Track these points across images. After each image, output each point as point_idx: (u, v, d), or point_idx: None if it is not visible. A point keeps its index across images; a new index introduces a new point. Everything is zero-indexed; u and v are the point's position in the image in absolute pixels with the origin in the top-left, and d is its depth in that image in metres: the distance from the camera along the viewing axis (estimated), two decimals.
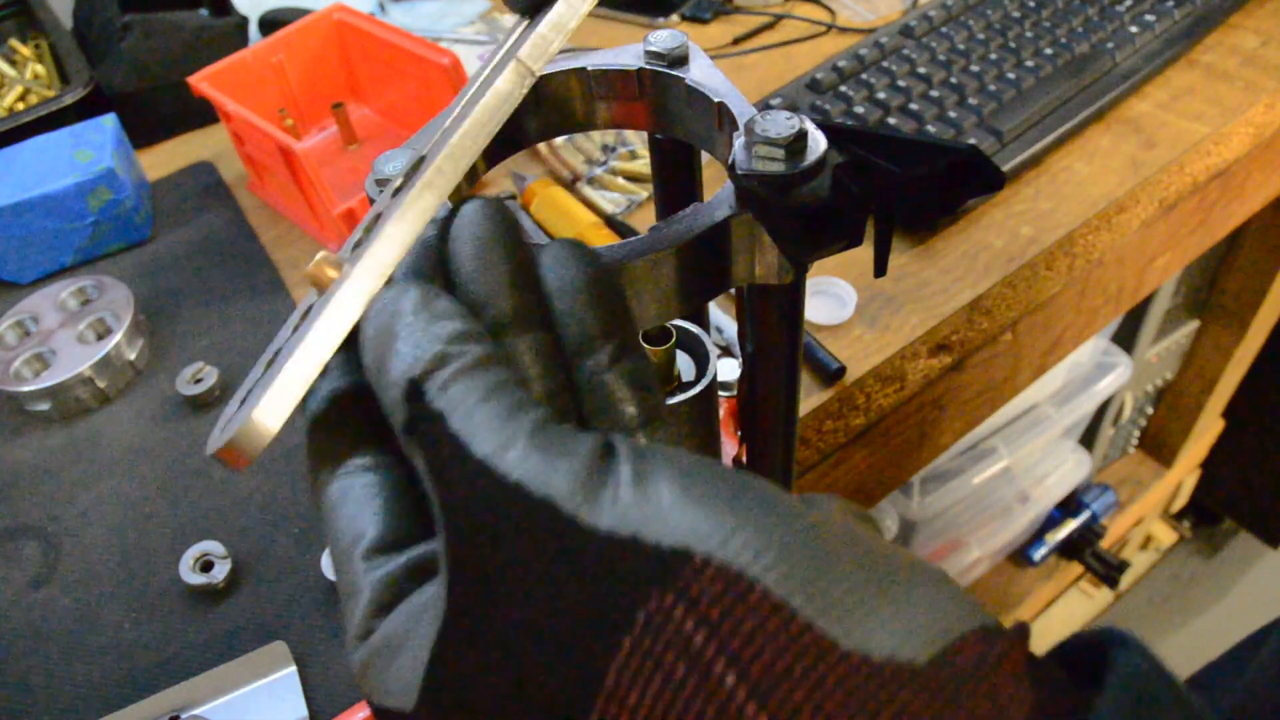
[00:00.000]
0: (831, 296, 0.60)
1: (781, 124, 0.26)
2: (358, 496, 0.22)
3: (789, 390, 0.34)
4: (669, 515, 0.17)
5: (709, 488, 0.18)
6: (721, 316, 0.58)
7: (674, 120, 0.34)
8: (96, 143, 0.69)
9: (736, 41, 0.86)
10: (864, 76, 0.73)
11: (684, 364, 0.38)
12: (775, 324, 0.31)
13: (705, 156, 0.36)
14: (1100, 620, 1.66)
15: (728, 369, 0.45)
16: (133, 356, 0.61)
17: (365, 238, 0.23)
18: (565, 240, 0.22)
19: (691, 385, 0.36)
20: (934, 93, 0.71)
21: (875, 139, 0.28)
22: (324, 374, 0.23)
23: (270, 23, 0.87)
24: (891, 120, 0.69)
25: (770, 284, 0.29)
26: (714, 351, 0.37)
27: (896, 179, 0.24)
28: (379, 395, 0.20)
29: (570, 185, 0.70)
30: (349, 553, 0.21)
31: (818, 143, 0.26)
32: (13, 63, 0.87)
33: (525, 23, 0.26)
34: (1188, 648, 1.61)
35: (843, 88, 0.72)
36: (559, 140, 0.74)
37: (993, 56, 0.73)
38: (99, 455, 0.57)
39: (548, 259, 0.22)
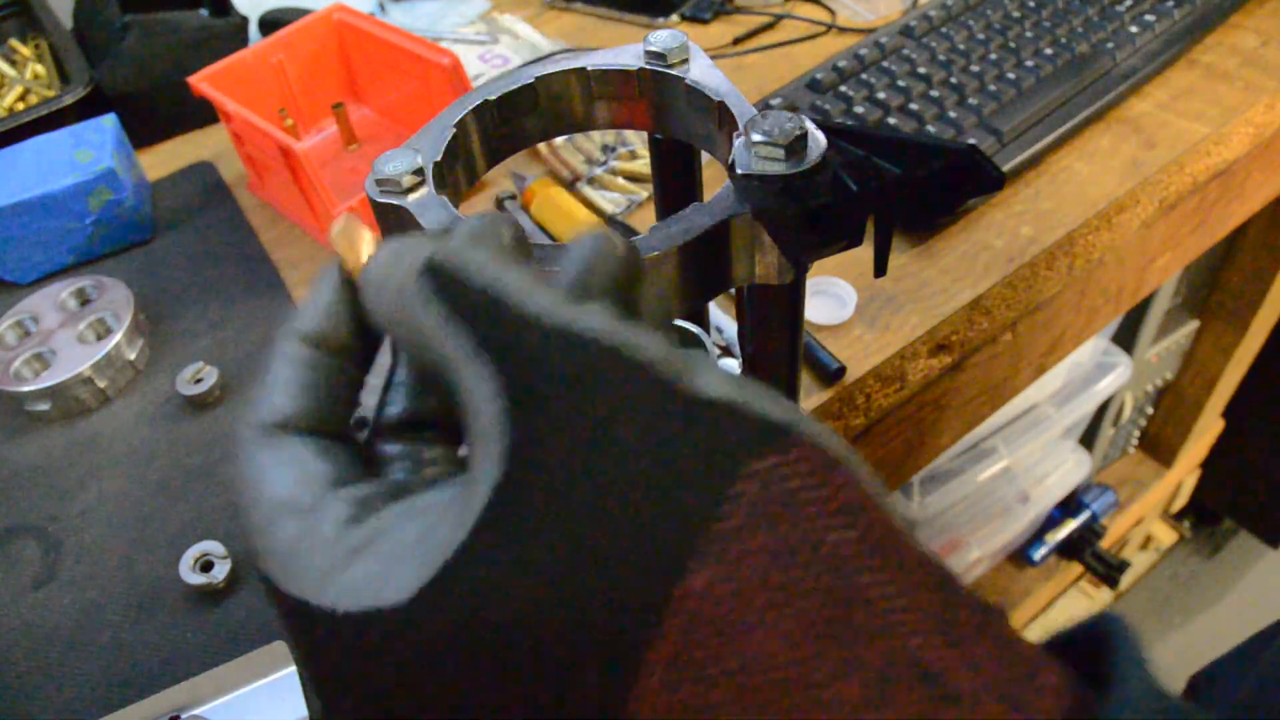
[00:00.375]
0: (831, 296, 0.60)
1: (781, 124, 0.26)
2: (302, 452, 0.21)
3: (789, 390, 0.34)
4: (765, 401, 0.18)
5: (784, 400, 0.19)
6: (721, 316, 0.58)
7: (674, 120, 0.34)
8: (96, 143, 0.69)
9: (736, 41, 0.86)
10: (864, 76, 0.73)
11: None
12: (775, 324, 0.31)
13: (705, 156, 0.36)
14: None
15: (728, 369, 0.45)
16: (133, 356, 0.61)
17: None
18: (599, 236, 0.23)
19: None
20: (934, 93, 0.71)
21: (875, 139, 0.28)
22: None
23: (270, 23, 0.87)
24: (891, 120, 0.69)
25: (770, 284, 0.29)
26: (714, 351, 0.37)
27: (896, 179, 0.24)
28: (384, 303, 0.20)
29: (570, 185, 0.70)
30: (305, 485, 0.20)
31: (818, 143, 0.26)
32: (13, 63, 0.87)
33: None
34: (1188, 648, 1.61)
35: (843, 88, 0.72)
36: (559, 140, 0.74)
37: (993, 56, 0.73)
38: (99, 455, 0.57)
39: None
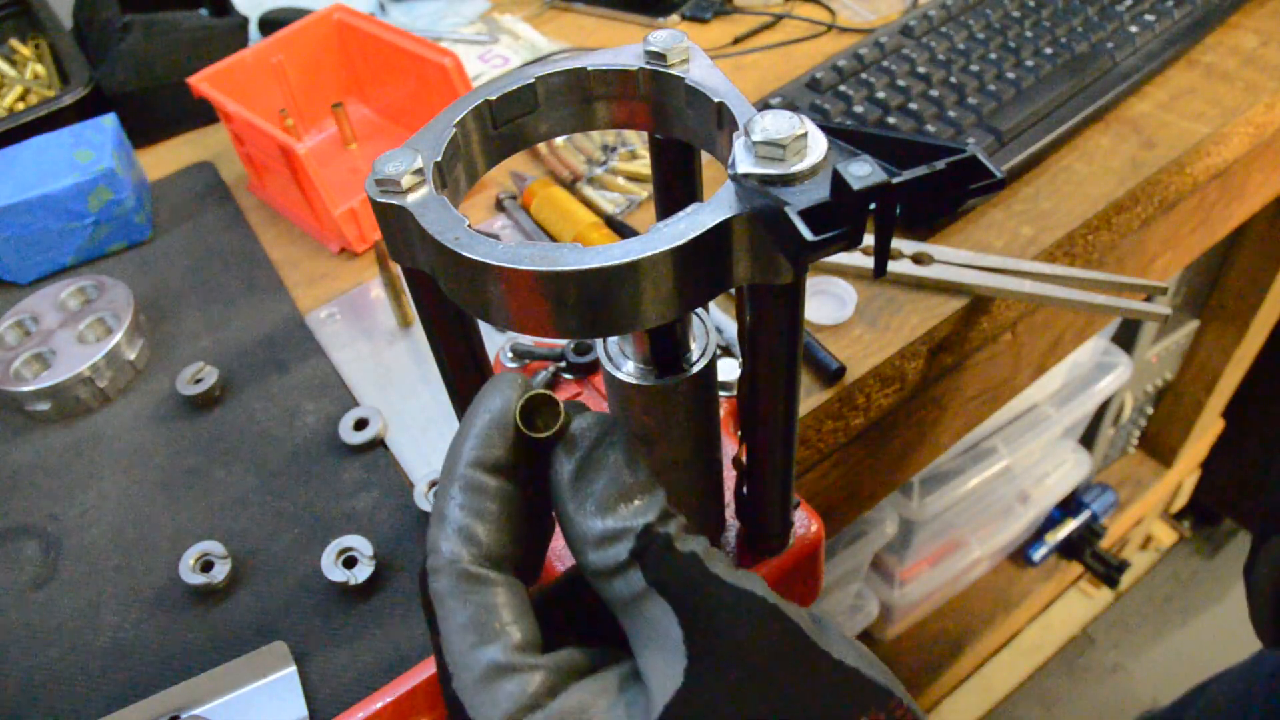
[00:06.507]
0: (831, 296, 0.60)
1: (781, 124, 0.26)
2: (502, 613, 0.26)
3: (789, 390, 0.34)
4: (873, 667, 0.26)
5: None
6: (721, 316, 0.58)
7: (674, 120, 0.34)
8: (96, 143, 0.69)
9: (736, 41, 0.86)
10: (864, 76, 0.73)
11: None
12: (775, 324, 0.31)
13: (705, 156, 0.36)
14: (1100, 621, 1.66)
15: (728, 369, 0.45)
16: (133, 356, 0.61)
17: None
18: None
19: (690, 366, 0.35)
20: (934, 92, 0.71)
21: (875, 139, 0.28)
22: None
23: (270, 23, 0.87)
24: (891, 120, 0.69)
25: (770, 284, 0.29)
26: (713, 333, 0.36)
27: (896, 179, 0.24)
28: (591, 549, 0.26)
29: (570, 185, 0.70)
30: (500, 647, 0.25)
31: (818, 143, 0.26)
32: (13, 63, 0.87)
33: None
34: (1188, 648, 1.61)
35: (843, 87, 0.72)
36: (559, 140, 0.74)
37: (992, 56, 0.73)
38: (99, 455, 0.57)
39: None
